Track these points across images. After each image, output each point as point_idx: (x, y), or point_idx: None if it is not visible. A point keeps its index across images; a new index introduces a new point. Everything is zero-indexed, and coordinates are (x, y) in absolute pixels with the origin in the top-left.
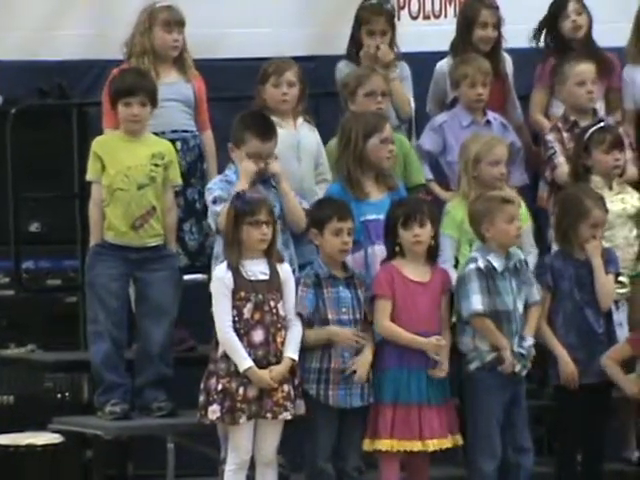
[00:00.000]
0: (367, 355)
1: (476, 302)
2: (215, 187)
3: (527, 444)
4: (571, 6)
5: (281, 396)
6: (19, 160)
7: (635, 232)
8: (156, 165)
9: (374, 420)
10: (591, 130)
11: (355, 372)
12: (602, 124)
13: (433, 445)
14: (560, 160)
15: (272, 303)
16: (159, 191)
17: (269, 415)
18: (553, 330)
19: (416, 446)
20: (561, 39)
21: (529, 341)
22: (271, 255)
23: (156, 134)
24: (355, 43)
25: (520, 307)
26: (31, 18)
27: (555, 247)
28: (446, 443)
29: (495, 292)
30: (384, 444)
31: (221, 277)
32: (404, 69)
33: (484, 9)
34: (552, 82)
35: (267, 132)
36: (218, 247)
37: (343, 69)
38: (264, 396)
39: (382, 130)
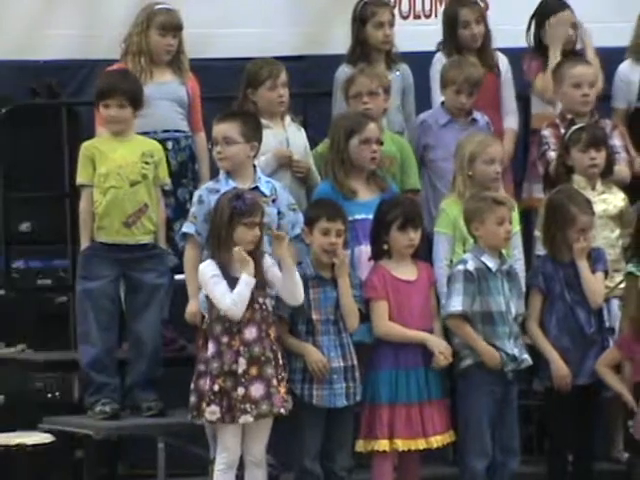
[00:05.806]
0: None
1: (455, 303)
2: (190, 218)
3: (515, 445)
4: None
5: (283, 392)
6: (9, 160)
7: (617, 232)
8: (147, 163)
9: (368, 421)
10: (570, 130)
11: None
12: (581, 124)
13: (437, 442)
14: (552, 155)
15: (260, 300)
16: (150, 189)
17: (275, 410)
18: (545, 333)
19: (420, 444)
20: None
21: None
22: (256, 256)
23: (147, 133)
24: (359, 43)
25: (513, 309)
26: (21, 18)
27: (539, 246)
28: (447, 439)
29: (487, 293)
30: (382, 444)
31: (208, 264)
32: (406, 75)
33: (461, 8)
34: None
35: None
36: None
37: (343, 73)
38: (270, 393)
39: (363, 130)
